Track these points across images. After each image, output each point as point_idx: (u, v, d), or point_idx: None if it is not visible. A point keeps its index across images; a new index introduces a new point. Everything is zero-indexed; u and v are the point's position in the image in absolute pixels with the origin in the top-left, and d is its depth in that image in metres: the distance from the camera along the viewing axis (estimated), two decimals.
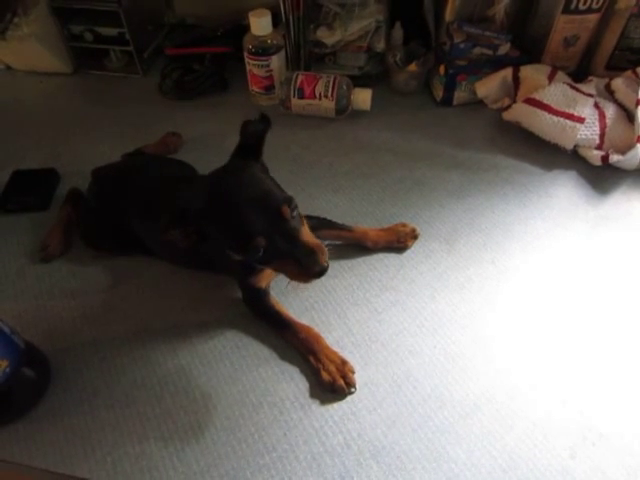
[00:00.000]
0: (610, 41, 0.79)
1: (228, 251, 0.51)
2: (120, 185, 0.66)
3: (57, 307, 0.60)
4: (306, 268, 0.46)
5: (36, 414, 0.51)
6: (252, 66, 0.83)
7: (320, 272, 0.46)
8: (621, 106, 0.75)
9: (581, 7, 0.76)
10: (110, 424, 0.50)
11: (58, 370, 0.54)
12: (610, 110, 0.74)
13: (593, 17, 0.77)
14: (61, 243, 0.66)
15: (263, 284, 0.57)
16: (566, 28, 0.79)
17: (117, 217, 0.64)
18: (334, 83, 0.80)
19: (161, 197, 0.60)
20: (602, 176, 0.72)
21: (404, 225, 0.65)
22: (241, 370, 0.54)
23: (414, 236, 0.65)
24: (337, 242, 0.64)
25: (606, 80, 0.78)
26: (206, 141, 0.81)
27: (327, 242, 0.65)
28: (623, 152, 0.69)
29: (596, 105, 0.74)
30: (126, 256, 0.65)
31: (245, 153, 0.51)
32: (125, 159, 0.74)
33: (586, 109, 0.72)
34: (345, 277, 0.62)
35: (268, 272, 0.57)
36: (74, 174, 0.75)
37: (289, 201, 0.47)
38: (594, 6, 0.76)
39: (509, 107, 0.78)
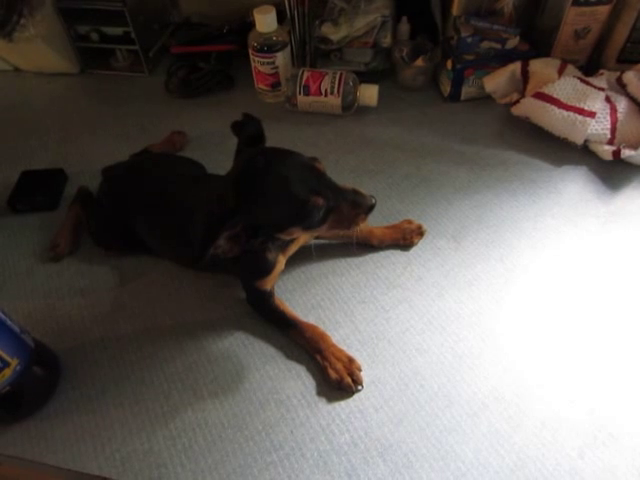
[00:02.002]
0: (622, 33, 0.78)
1: (286, 229, 0.51)
2: (130, 184, 0.66)
3: (66, 306, 0.61)
4: (360, 205, 0.50)
5: (47, 412, 0.52)
6: (257, 63, 0.83)
7: (372, 205, 0.51)
8: (633, 100, 0.74)
9: None
10: (119, 421, 0.51)
11: (68, 368, 0.55)
12: (622, 104, 0.72)
13: (604, 9, 0.76)
14: (70, 242, 0.67)
15: (269, 286, 0.57)
16: (576, 20, 0.78)
17: (127, 216, 0.64)
18: (340, 79, 0.79)
19: (176, 198, 0.60)
20: (613, 172, 0.70)
21: (410, 222, 0.65)
22: (248, 368, 0.54)
23: (420, 233, 0.64)
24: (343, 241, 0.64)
25: (618, 73, 0.77)
26: (212, 139, 0.81)
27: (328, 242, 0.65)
28: (635, 147, 0.68)
29: (607, 99, 0.72)
30: (134, 255, 0.65)
31: (249, 146, 0.52)
32: (134, 158, 0.75)
33: (597, 103, 0.71)
34: (352, 275, 0.62)
35: (274, 275, 0.57)
36: (82, 173, 0.76)
37: (316, 159, 0.51)
38: None
39: (518, 102, 0.77)
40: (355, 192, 0.51)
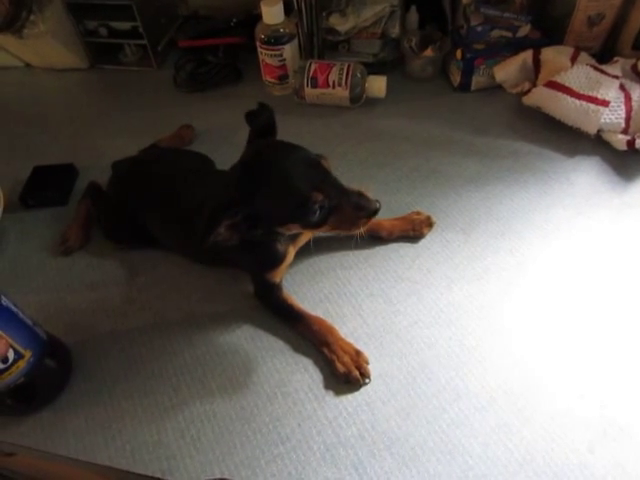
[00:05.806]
0: (637, 19, 0.76)
1: (286, 224, 0.51)
2: (139, 179, 0.67)
3: (77, 299, 0.61)
4: (362, 209, 0.49)
5: (59, 403, 0.52)
6: (265, 56, 0.83)
7: (376, 210, 0.50)
8: None
9: None
10: (129, 413, 0.51)
11: (79, 361, 0.56)
12: (637, 92, 0.71)
13: None
14: (80, 236, 0.67)
15: (278, 279, 0.57)
16: (590, 6, 0.76)
17: (136, 211, 0.65)
18: (348, 71, 0.79)
19: (183, 193, 0.60)
20: (627, 162, 0.69)
21: (418, 213, 0.64)
22: (256, 361, 0.54)
23: (429, 224, 0.64)
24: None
25: (633, 61, 0.75)
26: (220, 132, 0.81)
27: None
28: None
29: (622, 87, 0.71)
30: (144, 249, 0.66)
31: (260, 137, 0.52)
32: (143, 153, 0.75)
33: (611, 92, 0.69)
34: (360, 268, 0.61)
35: (284, 267, 0.57)
36: (92, 168, 0.77)
37: (323, 157, 0.50)
38: None
39: (529, 91, 0.75)
40: (360, 194, 0.50)
